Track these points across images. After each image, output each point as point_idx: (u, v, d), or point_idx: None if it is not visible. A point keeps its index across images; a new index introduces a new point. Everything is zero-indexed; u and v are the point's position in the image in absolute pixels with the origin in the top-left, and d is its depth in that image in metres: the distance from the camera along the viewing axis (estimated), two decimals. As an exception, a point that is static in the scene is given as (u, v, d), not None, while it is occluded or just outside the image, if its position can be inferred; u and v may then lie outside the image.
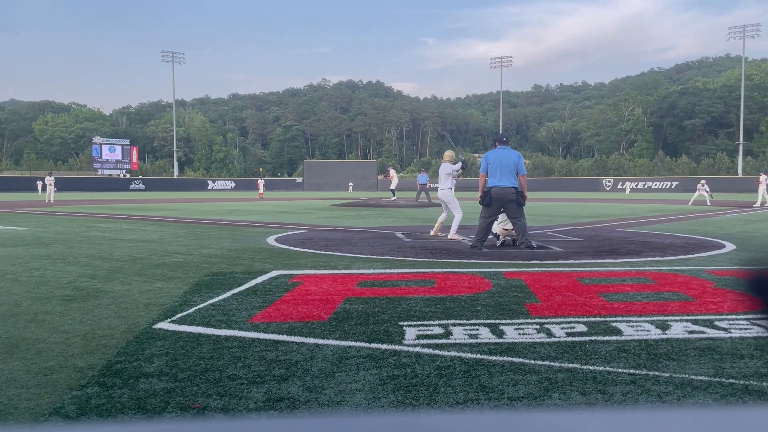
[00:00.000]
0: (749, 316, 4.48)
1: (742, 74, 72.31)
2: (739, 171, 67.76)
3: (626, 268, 7.14)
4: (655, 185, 62.26)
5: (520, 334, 4.06)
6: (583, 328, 4.23)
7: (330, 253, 8.64)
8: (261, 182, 46.08)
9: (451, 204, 10.85)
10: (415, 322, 4.37)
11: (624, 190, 60.41)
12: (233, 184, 74.62)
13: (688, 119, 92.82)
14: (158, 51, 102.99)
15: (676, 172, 74.60)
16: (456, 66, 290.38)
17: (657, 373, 3.24)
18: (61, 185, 47.94)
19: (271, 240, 10.46)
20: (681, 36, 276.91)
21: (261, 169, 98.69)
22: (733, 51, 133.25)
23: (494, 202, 9.13)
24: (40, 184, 47.65)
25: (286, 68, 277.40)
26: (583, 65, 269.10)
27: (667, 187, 60.83)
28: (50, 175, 32.24)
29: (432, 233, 11.15)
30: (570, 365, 3.38)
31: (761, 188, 26.20)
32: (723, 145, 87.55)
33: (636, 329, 4.17)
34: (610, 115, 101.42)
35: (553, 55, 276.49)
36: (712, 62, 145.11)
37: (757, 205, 25.74)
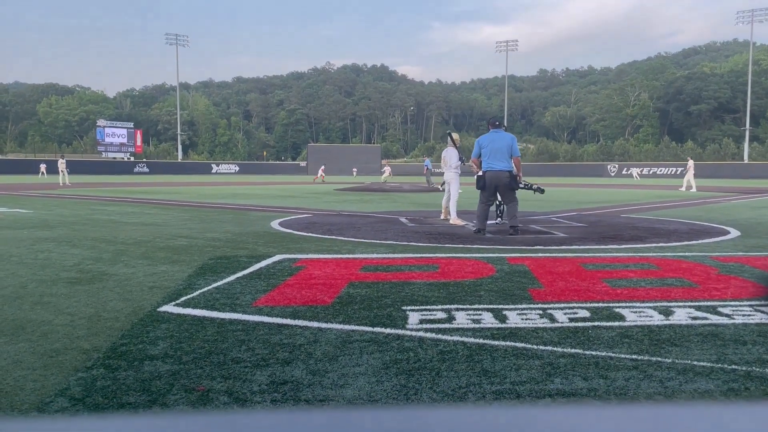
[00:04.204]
0: (753, 303, 4.47)
1: (750, 59, 71.61)
2: (745, 157, 67.36)
3: (630, 254, 7.13)
4: (661, 171, 61.87)
5: (522, 319, 4.07)
6: (585, 313, 4.23)
7: (334, 237, 8.65)
8: (322, 168, 43.61)
9: (453, 185, 10.96)
10: (418, 307, 4.38)
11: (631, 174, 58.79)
12: (237, 168, 74.58)
13: (695, 105, 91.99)
14: (162, 34, 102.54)
15: (681, 157, 74.11)
16: (461, 50, 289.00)
17: (659, 359, 3.24)
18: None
19: (274, 224, 10.48)
20: (688, 20, 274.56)
21: (265, 153, 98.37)
22: (741, 36, 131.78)
23: (488, 185, 9.19)
24: (43, 166, 47.65)
25: (290, 52, 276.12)
26: (589, 49, 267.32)
27: (673, 172, 60.50)
28: (62, 158, 31.45)
29: (442, 217, 11.34)
30: (572, 350, 3.39)
31: (689, 173, 26.21)
32: (729, 130, 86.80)
33: (639, 315, 4.17)
34: (615, 100, 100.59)
35: (559, 39, 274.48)
36: (720, 47, 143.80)
37: (683, 189, 25.64)
